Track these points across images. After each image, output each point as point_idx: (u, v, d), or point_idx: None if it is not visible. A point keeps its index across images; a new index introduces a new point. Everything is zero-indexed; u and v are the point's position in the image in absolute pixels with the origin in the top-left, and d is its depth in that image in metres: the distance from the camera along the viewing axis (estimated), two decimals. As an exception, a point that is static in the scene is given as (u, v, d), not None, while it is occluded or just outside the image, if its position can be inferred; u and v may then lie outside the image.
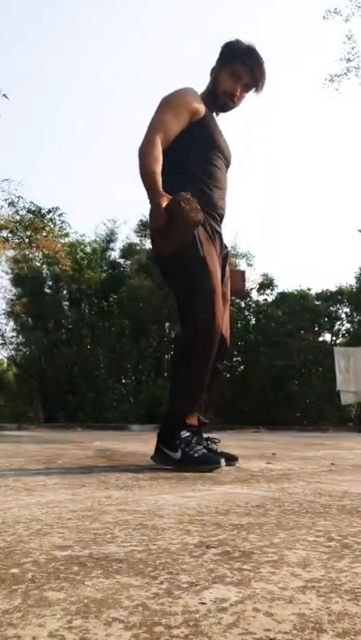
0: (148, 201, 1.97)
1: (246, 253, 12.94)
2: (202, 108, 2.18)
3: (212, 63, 2.29)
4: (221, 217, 2.29)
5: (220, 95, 2.25)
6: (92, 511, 1.17)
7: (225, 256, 2.34)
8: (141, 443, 4.06)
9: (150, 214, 1.95)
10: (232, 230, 13.68)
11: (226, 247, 2.35)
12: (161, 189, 1.95)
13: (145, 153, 2.02)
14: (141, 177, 2.01)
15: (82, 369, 11.02)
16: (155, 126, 2.08)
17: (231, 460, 2.17)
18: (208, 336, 2.04)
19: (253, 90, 2.28)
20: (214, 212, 2.22)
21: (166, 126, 2.09)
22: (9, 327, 12.85)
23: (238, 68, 2.21)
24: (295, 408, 11.55)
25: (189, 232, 1.95)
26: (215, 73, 2.26)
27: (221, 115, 2.36)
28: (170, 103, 2.14)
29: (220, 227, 2.28)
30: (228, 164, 2.33)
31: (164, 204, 1.90)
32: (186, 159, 2.17)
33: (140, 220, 13.49)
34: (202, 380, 2.06)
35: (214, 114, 2.30)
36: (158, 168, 2.00)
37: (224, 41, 2.26)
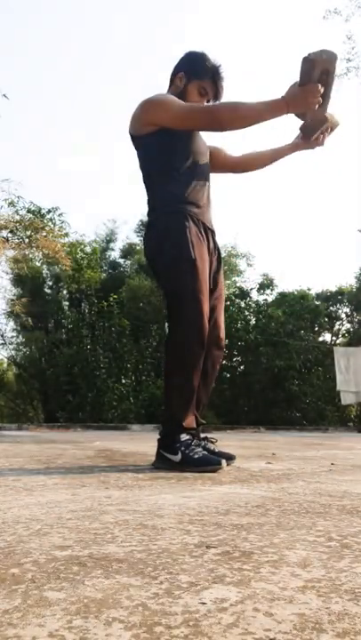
0: (283, 111, 2.02)
1: (246, 253, 12.97)
2: None
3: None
4: (208, 206, 2.28)
5: None
6: (92, 511, 1.17)
7: (218, 253, 2.34)
8: (141, 443, 4.06)
9: (306, 100, 2.00)
10: (232, 230, 13.67)
11: (218, 249, 2.35)
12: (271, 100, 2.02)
13: (222, 112, 2.07)
14: (249, 118, 2.06)
15: (82, 369, 11.02)
16: (194, 106, 2.13)
17: (228, 459, 2.18)
18: (195, 337, 2.06)
19: (209, 101, 2.33)
20: (200, 203, 2.22)
21: (192, 103, 2.15)
22: (9, 327, 12.88)
23: (206, 85, 2.27)
24: (295, 408, 11.57)
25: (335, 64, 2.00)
26: (182, 83, 2.28)
27: None
28: (169, 97, 2.17)
29: (210, 217, 2.28)
30: (207, 153, 2.35)
31: (309, 83, 1.96)
32: (169, 156, 2.18)
33: (140, 220, 13.51)
34: (193, 381, 2.07)
35: None
36: (253, 105, 2.04)
37: (199, 50, 2.31)
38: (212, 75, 2.27)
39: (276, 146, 2.52)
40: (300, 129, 2.37)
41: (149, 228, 2.26)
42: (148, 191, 2.27)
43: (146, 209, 2.28)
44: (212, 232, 2.28)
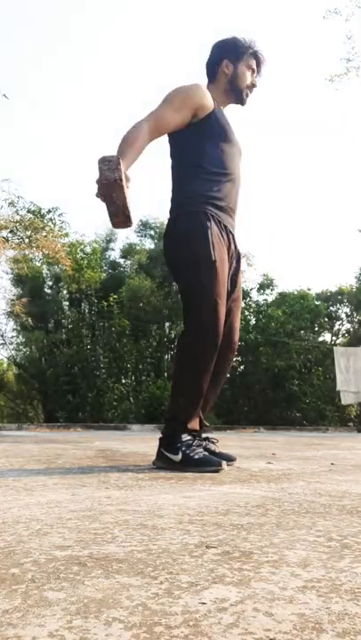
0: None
1: (246, 253, 12.95)
2: (209, 103, 2.19)
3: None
4: (233, 210, 2.27)
5: (245, 89, 2.34)
6: (92, 511, 1.17)
7: (238, 256, 2.33)
8: (141, 443, 4.06)
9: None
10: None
11: (238, 252, 2.33)
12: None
13: (125, 133, 2.02)
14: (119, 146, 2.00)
15: (82, 369, 11.01)
16: (148, 115, 2.10)
17: (229, 460, 2.17)
18: (210, 339, 2.04)
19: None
20: (225, 206, 2.21)
21: (160, 118, 2.10)
22: (9, 327, 12.86)
23: (252, 63, 2.34)
24: (295, 408, 11.56)
25: (113, 192, 1.83)
26: (232, 69, 2.30)
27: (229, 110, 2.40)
28: (171, 97, 2.15)
29: (233, 220, 2.27)
30: (240, 155, 2.34)
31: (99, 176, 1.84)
32: (198, 154, 2.17)
33: (140, 220, 13.49)
34: (203, 383, 2.06)
35: (222, 109, 2.32)
36: (127, 148, 1.97)
37: (227, 36, 2.33)
38: (255, 51, 2.33)
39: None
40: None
41: (170, 226, 2.23)
42: (173, 188, 2.25)
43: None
44: (233, 236, 2.27)
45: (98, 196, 1.87)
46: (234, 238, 2.27)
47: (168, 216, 2.26)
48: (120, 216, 1.90)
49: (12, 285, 12.44)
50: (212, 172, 2.17)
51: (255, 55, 2.33)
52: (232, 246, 2.25)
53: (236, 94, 2.32)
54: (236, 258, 2.30)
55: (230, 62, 2.30)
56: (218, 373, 2.20)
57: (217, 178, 2.18)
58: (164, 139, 2.24)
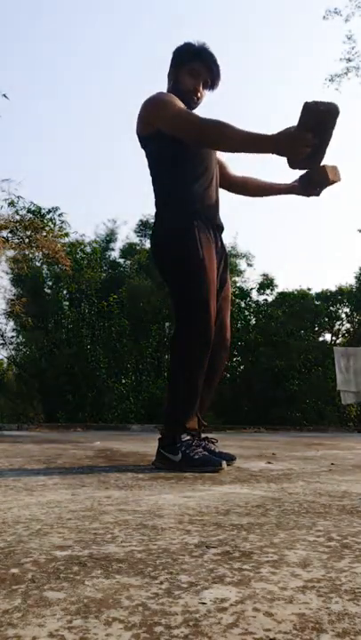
0: (268, 150, 1.91)
1: (246, 253, 12.95)
2: (182, 104, 2.18)
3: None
4: (217, 204, 2.26)
5: (185, 95, 2.25)
6: (92, 511, 1.17)
7: (225, 254, 2.33)
8: (141, 443, 4.06)
9: (294, 146, 1.86)
10: (232, 230, 13.68)
11: (225, 249, 2.34)
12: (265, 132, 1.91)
13: (208, 128, 1.98)
14: (233, 144, 1.97)
15: (82, 369, 11.01)
16: (184, 115, 2.07)
17: (229, 460, 2.17)
18: (201, 338, 2.05)
19: (210, 87, 2.30)
20: (209, 201, 2.21)
21: (186, 111, 2.09)
22: (9, 327, 12.85)
23: (196, 67, 2.24)
24: (295, 408, 11.55)
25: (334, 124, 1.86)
26: (174, 76, 2.27)
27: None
28: (164, 102, 2.13)
29: (218, 213, 2.27)
30: (215, 159, 2.33)
31: (301, 130, 1.82)
32: (177, 153, 2.16)
33: (140, 220, 13.50)
34: (198, 381, 2.06)
35: None
36: (238, 126, 1.95)
37: (177, 45, 2.28)
38: (198, 54, 2.23)
39: (275, 181, 2.50)
40: (299, 180, 2.33)
41: (157, 227, 2.24)
42: (155, 189, 2.25)
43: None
44: (221, 228, 2.27)
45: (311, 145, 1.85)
46: (220, 233, 2.28)
47: (154, 218, 2.27)
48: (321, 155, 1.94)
49: (11, 285, 12.44)
50: (193, 171, 2.16)
51: (201, 59, 2.22)
52: (219, 244, 2.25)
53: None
54: (223, 255, 2.30)
55: (175, 69, 2.27)
56: (212, 372, 2.21)
57: (198, 176, 2.17)
58: (129, 142, 2.25)
